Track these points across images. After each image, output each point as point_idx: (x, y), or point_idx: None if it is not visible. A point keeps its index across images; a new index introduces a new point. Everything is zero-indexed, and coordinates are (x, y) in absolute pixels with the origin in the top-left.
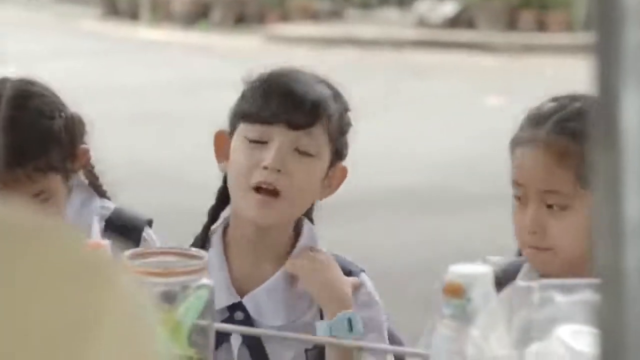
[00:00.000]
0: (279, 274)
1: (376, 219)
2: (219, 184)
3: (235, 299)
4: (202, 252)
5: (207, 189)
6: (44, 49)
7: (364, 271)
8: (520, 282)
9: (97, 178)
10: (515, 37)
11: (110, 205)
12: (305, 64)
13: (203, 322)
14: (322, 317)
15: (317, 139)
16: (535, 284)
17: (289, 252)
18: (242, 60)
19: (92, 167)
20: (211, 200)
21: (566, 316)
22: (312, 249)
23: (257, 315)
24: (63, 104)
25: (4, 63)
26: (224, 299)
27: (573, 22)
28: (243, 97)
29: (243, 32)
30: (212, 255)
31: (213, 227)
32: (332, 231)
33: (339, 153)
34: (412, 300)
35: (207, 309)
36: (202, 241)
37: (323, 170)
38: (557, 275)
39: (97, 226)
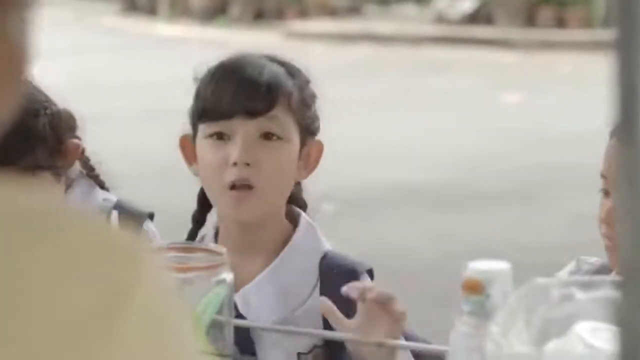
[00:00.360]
0: (268, 269)
1: (388, 216)
2: None
3: None
4: (221, 248)
5: None
6: (64, 45)
7: (369, 270)
8: (539, 278)
9: (93, 170)
10: (534, 34)
11: (112, 197)
12: (323, 59)
13: (221, 318)
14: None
15: (282, 121)
16: (554, 280)
17: (282, 245)
18: None
19: (88, 160)
20: None
21: (586, 313)
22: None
23: (246, 313)
24: (49, 101)
25: None
26: None
27: (592, 19)
28: (197, 95)
29: (261, 28)
30: None
31: (202, 231)
32: (341, 228)
33: (309, 129)
34: (422, 298)
35: (226, 304)
36: None
37: (295, 151)
38: None
39: (116, 219)
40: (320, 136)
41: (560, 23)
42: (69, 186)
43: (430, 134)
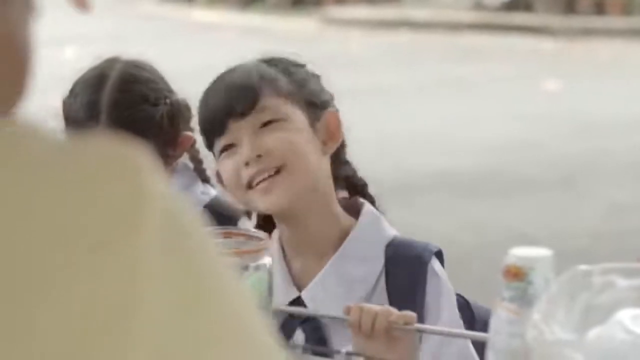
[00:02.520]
0: (330, 262)
1: (427, 202)
2: None
3: (294, 294)
4: (261, 233)
5: None
6: (101, 32)
7: (438, 252)
8: (581, 265)
9: (201, 162)
10: (573, 21)
11: (211, 191)
12: (361, 46)
13: (261, 303)
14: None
15: (274, 108)
16: (596, 267)
17: (342, 237)
18: (299, 43)
19: (197, 152)
20: None
21: (627, 300)
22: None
23: (315, 310)
24: (170, 90)
25: (63, 45)
26: (284, 297)
27: (632, 6)
28: (199, 121)
29: (299, 14)
30: (273, 258)
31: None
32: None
33: (315, 104)
34: (460, 285)
35: (265, 289)
36: None
37: (302, 125)
38: None
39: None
40: (358, 122)
41: (600, 10)
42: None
43: (469, 120)
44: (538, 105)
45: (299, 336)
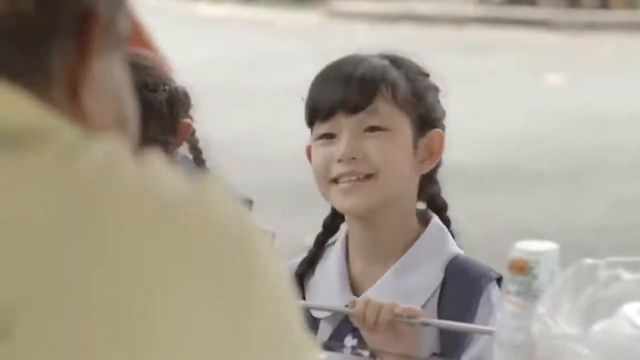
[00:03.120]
0: (390, 271)
1: None
2: (292, 160)
3: (350, 298)
4: (266, 229)
5: (285, 163)
6: None
7: (499, 278)
8: (586, 259)
9: (200, 152)
10: (577, 15)
11: None
12: (365, 40)
13: None
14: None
15: (385, 113)
16: (601, 261)
17: (409, 245)
18: (304, 36)
19: (197, 142)
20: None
21: (633, 294)
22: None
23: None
24: (169, 77)
25: None
26: (339, 299)
27: (636, 0)
28: (306, 100)
29: (304, 7)
30: (334, 258)
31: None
32: None
33: (424, 120)
34: None
35: None
36: (310, 263)
37: (405, 142)
38: None
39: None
40: None
41: (604, 4)
42: None
43: (473, 114)
44: (542, 100)
45: (349, 342)
